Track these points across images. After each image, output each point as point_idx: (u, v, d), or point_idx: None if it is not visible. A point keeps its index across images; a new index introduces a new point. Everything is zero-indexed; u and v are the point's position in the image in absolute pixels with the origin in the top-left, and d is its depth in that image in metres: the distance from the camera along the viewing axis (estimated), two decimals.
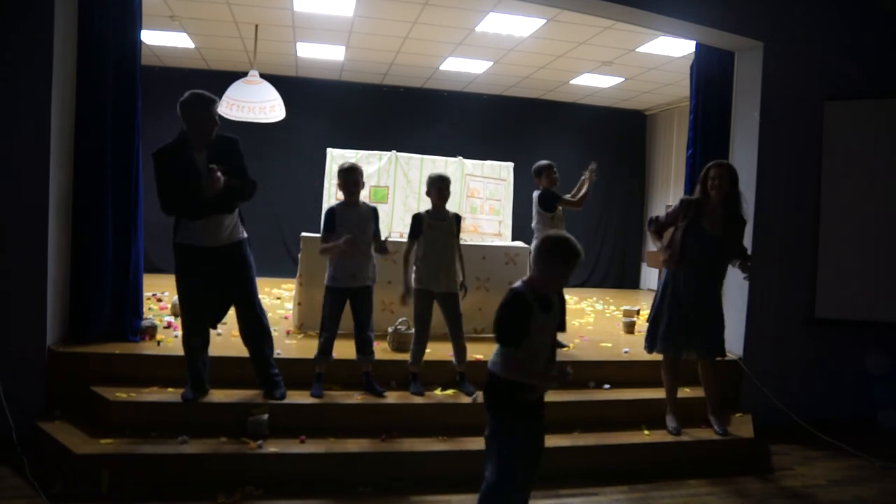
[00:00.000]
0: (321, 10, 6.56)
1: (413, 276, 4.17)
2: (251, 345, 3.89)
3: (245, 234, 3.83)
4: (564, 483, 3.66)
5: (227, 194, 3.58)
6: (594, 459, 3.91)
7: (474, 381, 4.35)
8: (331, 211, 4.01)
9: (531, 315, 2.46)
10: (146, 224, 4.60)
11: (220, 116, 3.74)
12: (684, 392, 4.36)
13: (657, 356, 4.29)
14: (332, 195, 8.15)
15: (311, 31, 7.30)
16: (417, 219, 4.17)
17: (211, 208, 3.59)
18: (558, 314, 2.63)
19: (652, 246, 9.98)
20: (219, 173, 3.46)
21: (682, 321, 4.04)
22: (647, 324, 4.32)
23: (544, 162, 5.24)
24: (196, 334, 3.79)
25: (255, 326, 3.86)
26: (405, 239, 4.32)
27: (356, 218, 4.00)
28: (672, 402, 4.25)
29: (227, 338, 4.59)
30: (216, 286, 3.72)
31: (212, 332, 3.91)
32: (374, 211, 4.12)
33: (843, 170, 4.99)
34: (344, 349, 4.14)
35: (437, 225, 4.13)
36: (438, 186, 4.13)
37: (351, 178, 4.00)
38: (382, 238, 4.09)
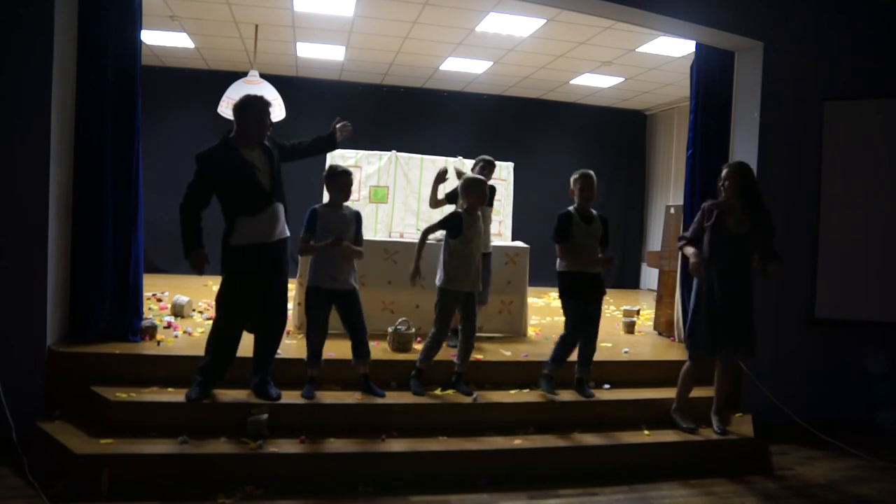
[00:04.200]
0: (321, 10, 6.57)
1: (441, 275, 4.16)
2: (268, 341, 3.90)
3: (289, 233, 3.93)
4: (564, 483, 3.66)
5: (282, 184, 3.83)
6: (594, 459, 3.91)
7: (475, 381, 4.36)
8: (314, 211, 4.00)
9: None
10: (146, 224, 4.60)
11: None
12: None
13: (658, 356, 4.29)
14: None
15: (311, 31, 7.31)
16: (459, 218, 4.14)
17: (272, 196, 3.74)
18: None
19: (652, 246, 10.00)
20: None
21: (720, 326, 4.02)
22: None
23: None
24: (229, 336, 3.80)
25: (279, 323, 3.92)
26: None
27: (339, 221, 3.99)
28: (685, 400, 4.27)
29: None
30: (260, 284, 3.77)
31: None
32: (358, 215, 4.13)
33: (842, 170, 4.99)
34: (344, 349, 4.14)
35: (474, 225, 4.16)
36: (480, 189, 4.15)
37: (349, 181, 4.03)
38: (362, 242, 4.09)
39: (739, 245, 4.00)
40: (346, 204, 4.11)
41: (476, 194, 4.15)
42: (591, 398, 4.29)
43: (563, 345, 4.25)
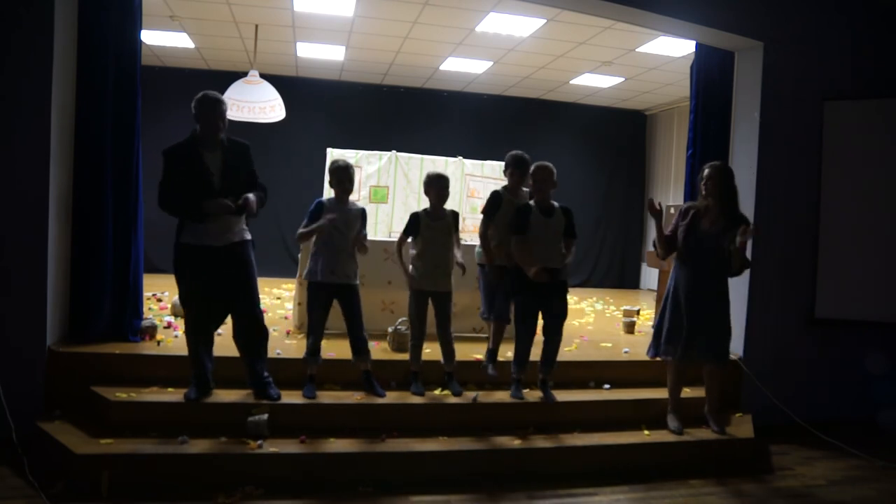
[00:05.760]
0: (321, 10, 6.57)
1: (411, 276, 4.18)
2: (246, 346, 3.87)
3: (249, 236, 3.85)
4: (564, 483, 3.66)
5: (242, 210, 3.65)
6: (594, 459, 3.90)
7: (474, 381, 4.36)
8: (319, 203, 3.99)
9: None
10: (146, 224, 4.60)
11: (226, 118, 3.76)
12: (685, 392, 4.35)
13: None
14: (331, 194, 8.16)
15: (311, 31, 7.31)
16: (415, 218, 4.17)
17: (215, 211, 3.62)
18: None
19: (652, 246, 9.99)
20: (241, 203, 3.59)
21: (686, 325, 4.01)
22: (651, 328, 4.31)
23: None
24: (200, 335, 3.79)
25: (253, 328, 3.85)
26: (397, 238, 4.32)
27: (343, 215, 3.98)
28: (675, 401, 4.26)
29: (227, 338, 4.56)
30: (220, 287, 3.72)
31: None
32: (363, 212, 4.12)
33: (842, 170, 4.99)
34: (344, 349, 4.14)
35: (435, 225, 4.13)
36: (437, 186, 4.12)
37: (346, 175, 4.00)
38: (367, 238, 4.05)
39: (711, 246, 3.96)
40: (352, 200, 4.11)
41: (433, 192, 4.13)
42: (552, 402, 4.17)
43: (516, 344, 4.21)
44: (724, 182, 3.97)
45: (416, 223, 4.13)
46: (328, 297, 3.99)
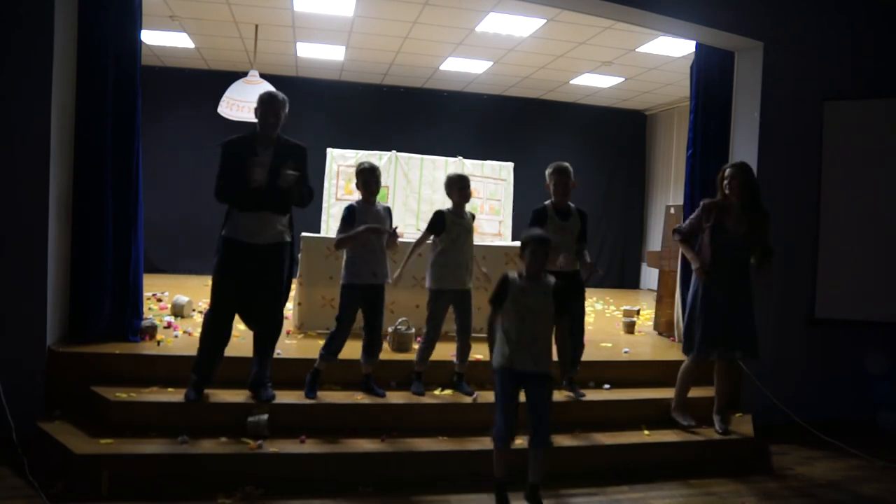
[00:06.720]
0: (321, 10, 6.57)
1: (430, 276, 4.16)
2: (258, 341, 3.88)
3: (289, 238, 3.86)
4: (565, 483, 3.66)
5: (286, 196, 3.73)
6: (594, 459, 3.91)
7: (475, 381, 4.35)
8: (351, 208, 4.01)
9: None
10: (146, 224, 4.60)
11: (268, 119, 3.82)
12: None
13: (658, 356, 4.30)
14: (331, 195, 8.17)
15: (311, 31, 7.31)
16: (441, 216, 4.15)
17: (263, 204, 3.67)
18: None
19: (652, 246, 10.00)
20: (289, 173, 3.62)
21: (719, 325, 4.03)
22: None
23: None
24: (217, 332, 3.78)
25: (270, 326, 3.86)
26: (405, 239, 4.32)
27: (375, 216, 4.02)
28: (683, 400, 4.28)
29: None
30: (250, 285, 3.74)
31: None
32: (389, 210, 4.17)
33: (842, 170, 4.99)
34: (346, 349, 4.13)
35: (460, 222, 4.16)
36: (460, 186, 4.16)
37: (373, 177, 4.04)
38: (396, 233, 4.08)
39: (738, 245, 4.01)
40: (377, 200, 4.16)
41: (456, 192, 4.17)
42: (582, 398, 4.24)
43: None
44: (746, 180, 4.00)
45: (442, 221, 4.12)
46: (362, 300, 4.01)
